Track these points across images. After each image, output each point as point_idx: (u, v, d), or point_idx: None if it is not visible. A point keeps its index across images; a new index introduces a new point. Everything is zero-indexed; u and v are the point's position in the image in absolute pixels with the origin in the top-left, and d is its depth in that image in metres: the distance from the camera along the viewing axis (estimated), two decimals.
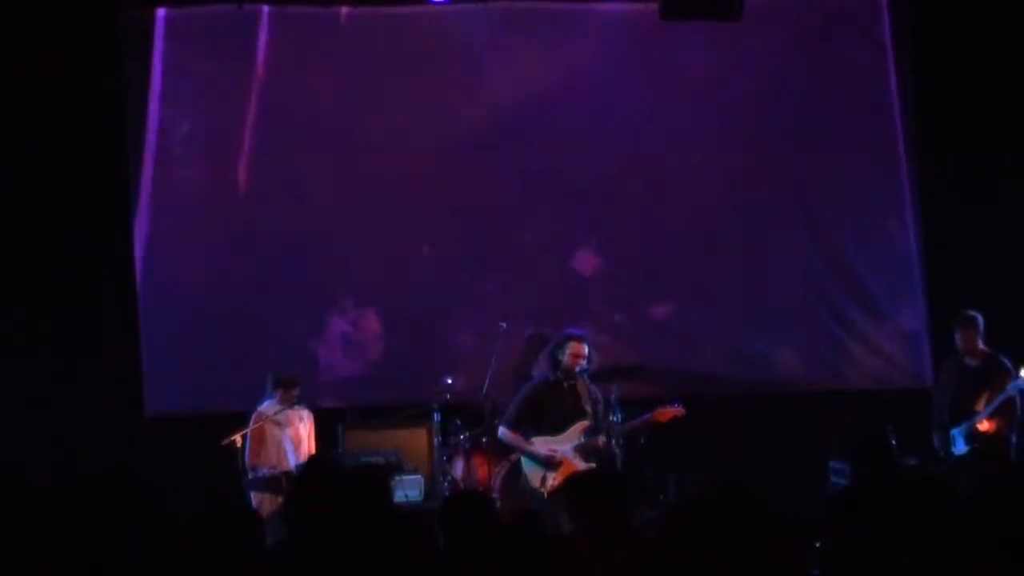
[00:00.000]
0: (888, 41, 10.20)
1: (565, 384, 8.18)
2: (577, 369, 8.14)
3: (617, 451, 8.11)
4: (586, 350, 8.21)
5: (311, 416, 8.63)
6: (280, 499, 7.76)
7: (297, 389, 8.43)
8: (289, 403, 8.37)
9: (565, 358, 8.15)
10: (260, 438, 8.30)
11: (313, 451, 8.43)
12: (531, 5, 9.99)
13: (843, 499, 5.74)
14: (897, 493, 5.00)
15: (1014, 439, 8.34)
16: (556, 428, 8.14)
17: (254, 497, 8.14)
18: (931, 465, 8.36)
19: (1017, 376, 8.22)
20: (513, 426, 8.19)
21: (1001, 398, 8.24)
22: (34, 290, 9.39)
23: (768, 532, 4.23)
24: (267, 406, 8.36)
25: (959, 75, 9.87)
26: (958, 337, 8.51)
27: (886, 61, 10.19)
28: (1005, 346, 8.47)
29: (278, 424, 8.34)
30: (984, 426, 8.21)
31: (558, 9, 9.98)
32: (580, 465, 7.98)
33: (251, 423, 8.26)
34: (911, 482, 7.48)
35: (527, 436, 8.15)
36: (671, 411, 8.23)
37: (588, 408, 8.12)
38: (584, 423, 8.11)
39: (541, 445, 8.08)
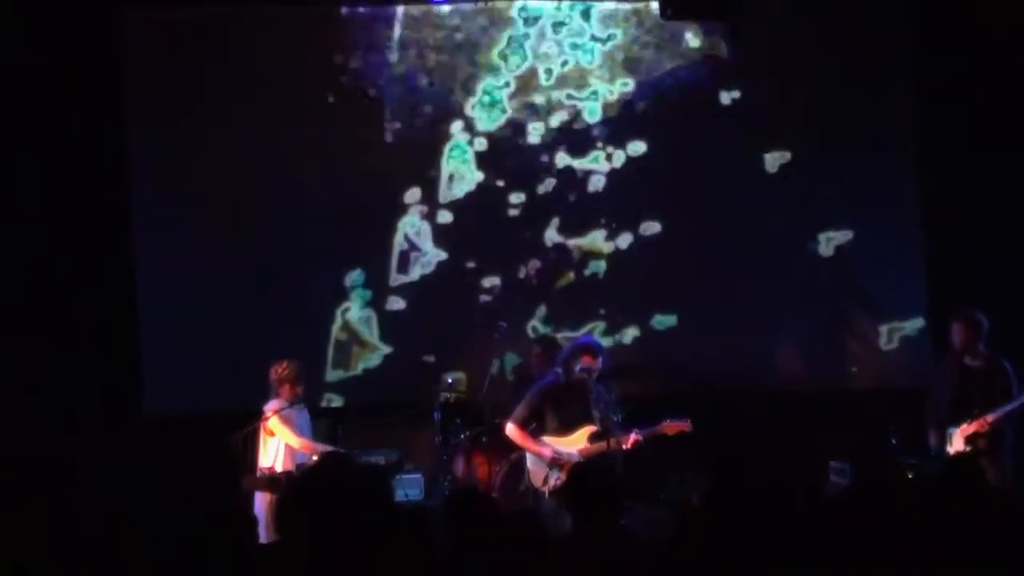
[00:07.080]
0: (895, 44, 10.20)
1: (576, 387, 8.17)
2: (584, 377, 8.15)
3: (620, 452, 8.09)
4: (600, 364, 8.20)
5: (308, 415, 8.62)
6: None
7: (302, 385, 8.41)
8: (295, 399, 8.33)
9: (577, 367, 8.14)
10: (267, 437, 8.25)
11: (314, 449, 8.37)
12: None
13: (843, 499, 5.74)
14: (897, 493, 5.00)
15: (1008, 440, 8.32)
16: (564, 430, 8.13)
17: (258, 497, 8.10)
18: (930, 465, 8.32)
19: None
20: (522, 424, 8.19)
21: (1015, 404, 8.21)
22: (34, 290, 9.39)
23: (777, 531, 4.24)
24: (275, 404, 8.32)
25: (962, 77, 9.88)
26: (957, 331, 8.44)
27: (892, 64, 10.19)
28: (1005, 347, 8.45)
29: (287, 421, 8.29)
30: (984, 426, 8.16)
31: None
32: None
33: (262, 420, 8.21)
34: (911, 482, 7.50)
35: (535, 435, 8.15)
36: (678, 426, 8.21)
37: (596, 413, 8.11)
38: (591, 428, 8.09)
39: (547, 445, 8.07)
